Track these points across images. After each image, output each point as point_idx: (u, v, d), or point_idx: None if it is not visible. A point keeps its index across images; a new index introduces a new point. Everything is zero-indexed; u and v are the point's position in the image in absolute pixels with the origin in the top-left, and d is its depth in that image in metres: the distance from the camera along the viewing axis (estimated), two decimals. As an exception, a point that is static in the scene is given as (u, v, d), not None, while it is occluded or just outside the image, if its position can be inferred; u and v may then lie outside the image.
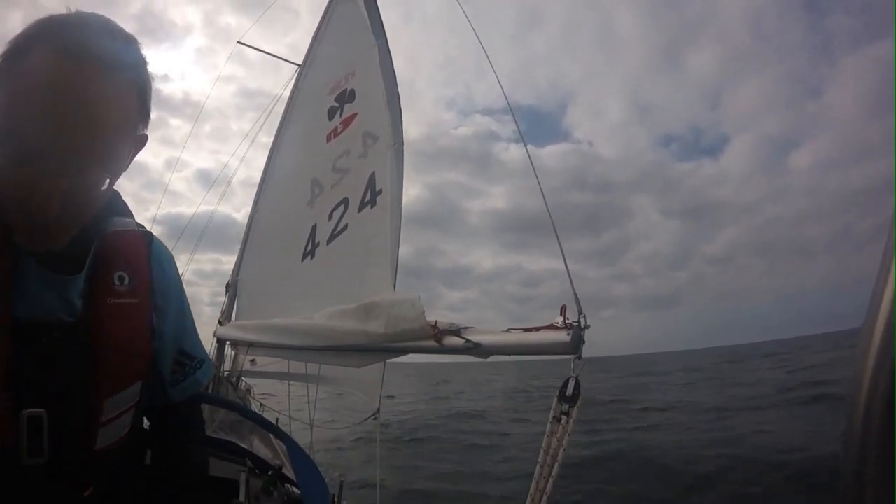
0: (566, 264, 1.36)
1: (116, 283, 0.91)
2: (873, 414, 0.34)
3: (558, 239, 1.47)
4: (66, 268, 0.85)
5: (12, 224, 0.78)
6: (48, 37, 0.75)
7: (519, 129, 2.00)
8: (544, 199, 1.60)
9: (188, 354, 1.09)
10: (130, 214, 0.99)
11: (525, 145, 1.86)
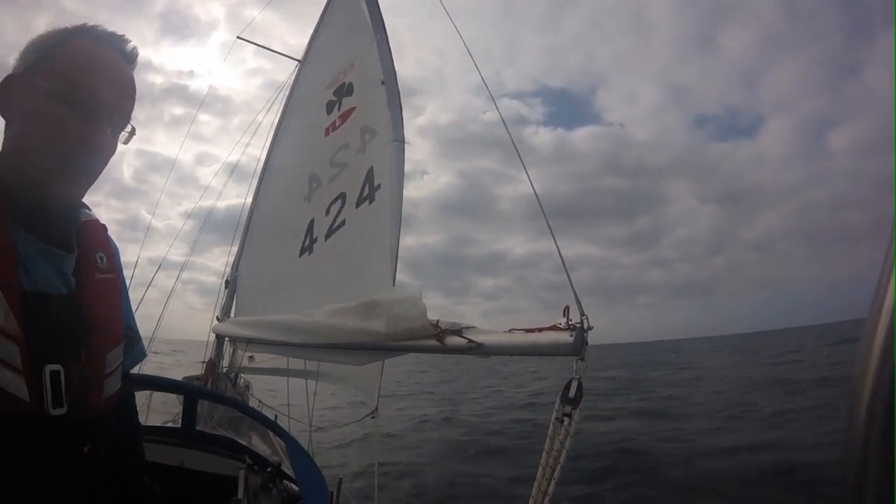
0: (564, 264, 1.36)
1: (98, 261, 1.06)
2: (876, 413, 0.33)
3: (555, 241, 1.46)
4: (60, 245, 0.97)
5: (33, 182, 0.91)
6: (82, 34, 0.97)
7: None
8: (538, 199, 1.58)
9: (131, 328, 1.22)
10: (89, 208, 1.13)
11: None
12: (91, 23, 1.00)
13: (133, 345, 1.21)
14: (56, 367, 0.90)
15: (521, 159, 1.82)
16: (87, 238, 1.06)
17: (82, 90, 0.92)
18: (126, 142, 1.03)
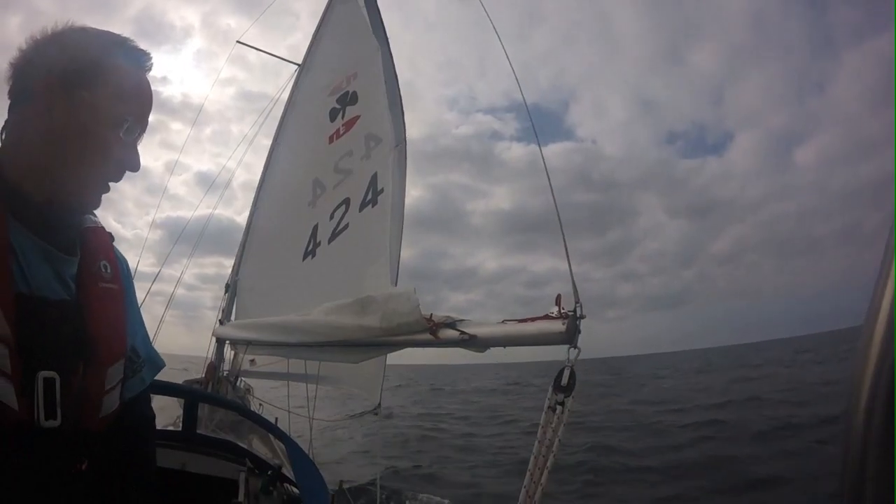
0: (567, 252, 1.35)
1: (102, 270, 1.01)
2: (875, 413, 0.33)
3: (561, 227, 1.46)
4: (62, 248, 0.92)
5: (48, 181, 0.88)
6: (124, 52, 0.95)
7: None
8: (552, 191, 1.59)
9: (136, 352, 1.13)
10: (95, 215, 1.08)
11: (538, 143, 1.84)
12: (123, 35, 0.98)
13: (136, 370, 1.11)
14: (51, 374, 0.84)
15: (548, 178, 1.73)
16: (91, 244, 1.01)
17: (133, 118, 0.93)
18: None
